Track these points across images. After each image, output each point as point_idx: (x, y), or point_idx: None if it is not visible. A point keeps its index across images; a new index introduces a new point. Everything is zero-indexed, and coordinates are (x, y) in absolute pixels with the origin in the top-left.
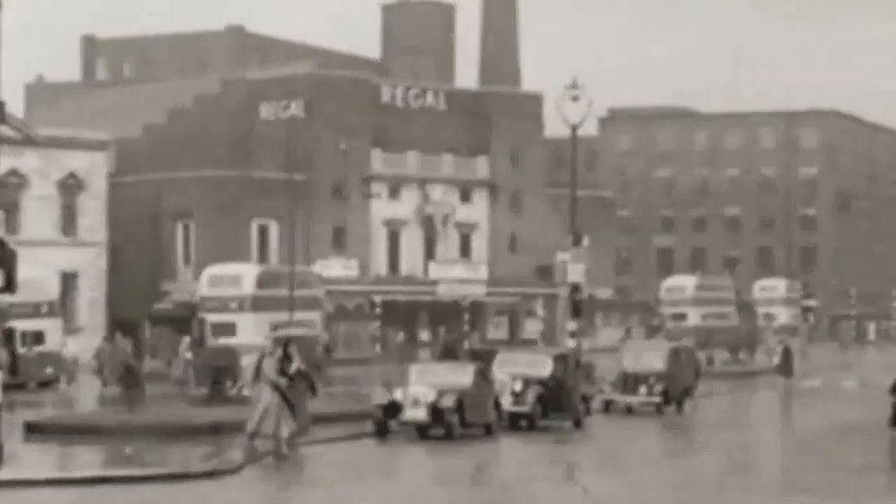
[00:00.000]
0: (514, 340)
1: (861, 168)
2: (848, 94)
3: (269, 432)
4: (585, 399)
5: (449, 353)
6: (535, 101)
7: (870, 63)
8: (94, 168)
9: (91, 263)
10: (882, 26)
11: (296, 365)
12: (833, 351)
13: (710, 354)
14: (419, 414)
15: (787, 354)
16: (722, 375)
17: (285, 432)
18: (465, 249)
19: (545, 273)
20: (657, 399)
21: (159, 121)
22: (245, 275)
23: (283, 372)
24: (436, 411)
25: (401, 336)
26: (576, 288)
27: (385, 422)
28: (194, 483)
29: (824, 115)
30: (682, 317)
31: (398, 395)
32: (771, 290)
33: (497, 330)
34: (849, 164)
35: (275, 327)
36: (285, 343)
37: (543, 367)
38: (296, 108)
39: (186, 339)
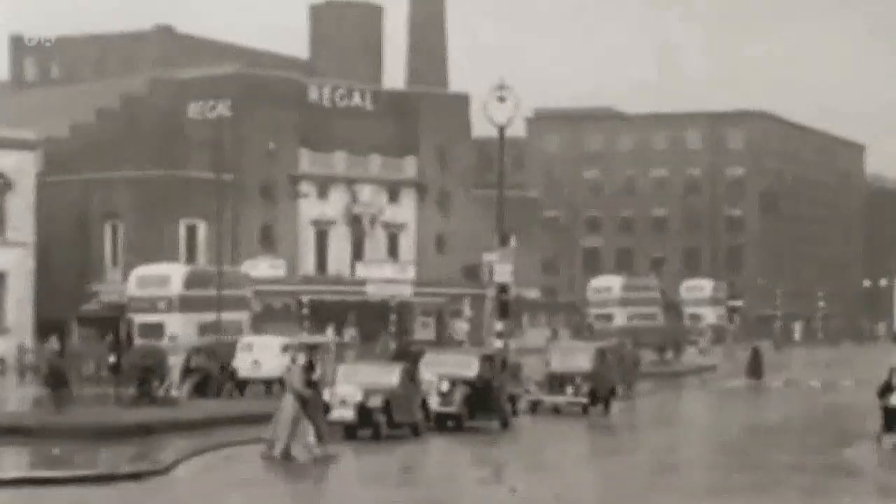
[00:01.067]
0: (441, 341)
1: (787, 169)
2: (774, 94)
3: (307, 440)
4: (512, 399)
5: (403, 357)
6: (463, 101)
7: (795, 64)
8: (22, 168)
9: (19, 264)
10: (807, 28)
11: (319, 373)
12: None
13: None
14: (346, 414)
15: (756, 355)
16: (648, 375)
17: (311, 438)
18: (393, 249)
19: (472, 273)
20: (584, 399)
21: (87, 121)
22: (173, 275)
23: (309, 381)
24: (363, 411)
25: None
26: (503, 288)
27: None
28: (122, 484)
29: (750, 115)
30: (608, 317)
31: (325, 395)
32: (697, 290)
33: (424, 330)
34: (775, 165)
35: (200, 327)
36: (310, 351)
37: (470, 367)
38: (223, 108)
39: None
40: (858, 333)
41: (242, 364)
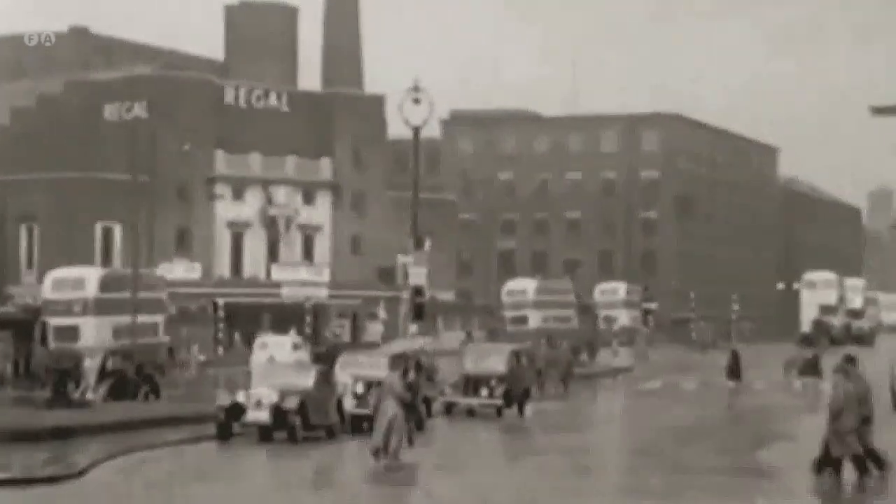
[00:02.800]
0: (357, 342)
1: (701, 172)
2: (689, 97)
3: (395, 446)
4: (427, 401)
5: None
6: (378, 103)
7: (711, 67)
8: None
9: None
10: (723, 31)
11: (411, 378)
12: (677, 352)
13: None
14: (262, 416)
15: (735, 358)
16: (552, 377)
17: (395, 444)
18: (308, 251)
19: (387, 275)
20: (498, 401)
21: (2, 122)
22: (88, 278)
23: (409, 387)
24: (278, 413)
25: (237, 337)
26: (417, 290)
27: (228, 424)
28: (37, 488)
29: (665, 118)
30: (522, 320)
31: (241, 397)
32: (611, 293)
33: (340, 332)
34: (689, 168)
35: (116, 330)
36: (406, 357)
37: (385, 369)
38: (139, 110)
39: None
40: (772, 335)
41: (258, 361)
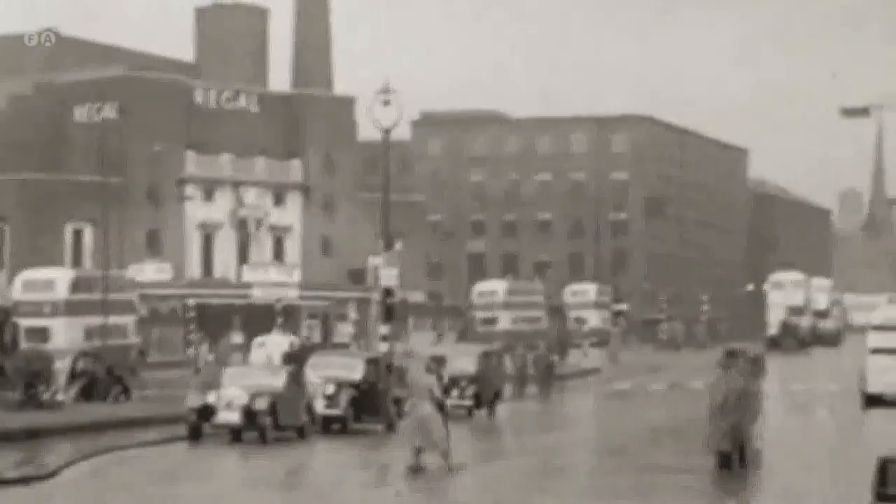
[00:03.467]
0: (327, 344)
1: (671, 173)
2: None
3: (444, 446)
4: (397, 402)
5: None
6: (348, 104)
7: (681, 70)
8: None
9: None
10: (692, 34)
11: (445, 381)
12: (648, 353)
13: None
14: (232, 417)
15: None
16: (533, 378)
17: (443, 444)
18: (279, 253)
19: (358, 277)
20: (468, 402)
21: None
22: (59, 279)
23: (445, 389)
24: (249, 414)
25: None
26: (388, 292)
27: (198, 425)
28: (8, 489)
29: (635, 120)
30: (493, 321)
31: (212, 398)
32: (581, 294)
33: (310, 333)
34: (659, 170)
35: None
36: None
37: (356, 370)
38: (109, 111)
39: None
40: (742, 336)
41: (257, 360)
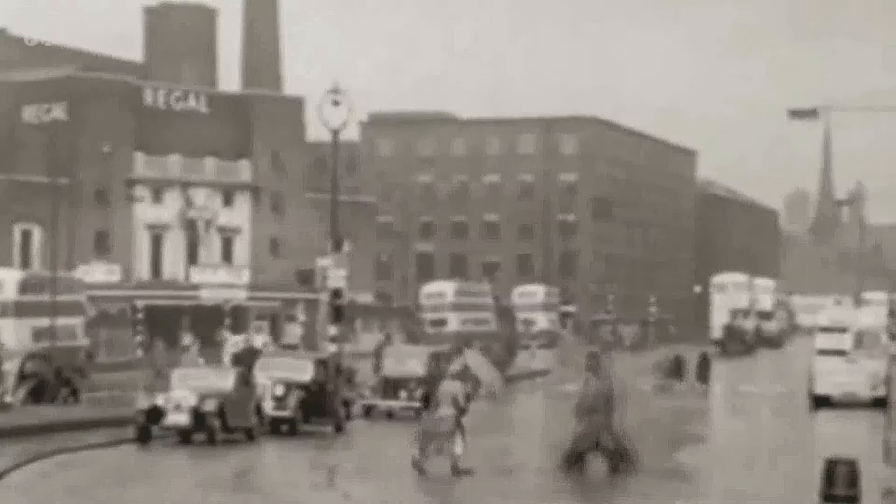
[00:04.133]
0: (276, 345)
1: (620, 175)
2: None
3: (455, 451)
4: (346, 404)
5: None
6: (297, 105)
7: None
8: None
9: None
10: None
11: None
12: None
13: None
14: (181, 419)
15: (704, 361)
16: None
17: (459, 450)
18: (228, 254)
19: (306, 278)
20: (417, 404)
21: None
22: (7, 280)
23: (467, 396)
24: (198, 416)
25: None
26: (336, 293)
27: (147, 427)
28: None
29: (583, 121)
30: (441, 322)
31: (160, 399)
32: (530, 295)
33: (258, 335)
34: (607, 171)
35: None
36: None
37: (304, 371)
38: (58, 111)
39: None
40: (689, 337)
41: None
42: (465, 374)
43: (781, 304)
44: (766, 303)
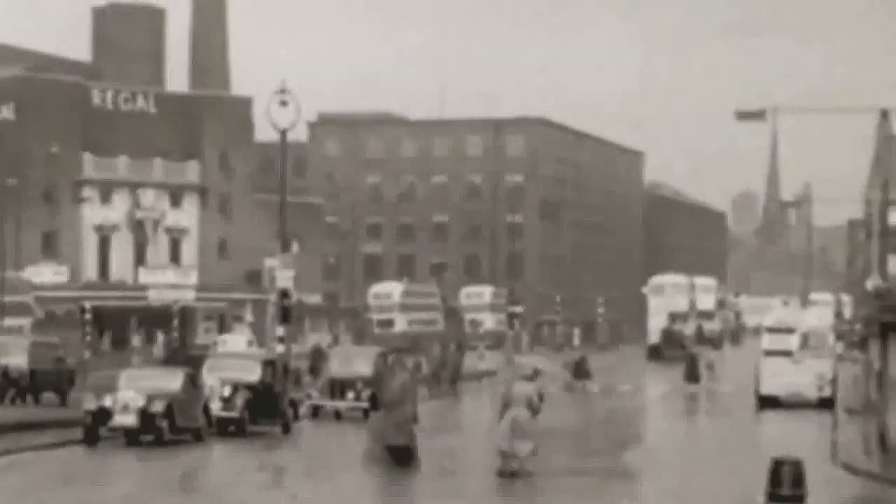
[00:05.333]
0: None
1: (567, 176)
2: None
3: (523, 452)
4: (294, 404)
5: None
6: (245, 105)
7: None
8: None
9: None
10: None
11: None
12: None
13: (418, 360)
14: (129, 420)
15: (692, 361)
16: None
17: (525, 451)
18: (176, 254)
19: (254, 278)
20: (364, 404)
21: None
22: None
23: (540, 398)
24: (145, 417)
25: (106, 342)
26: (284, 293)
27: (95, 428)
28: None
29: (530, 123)
30: (389, 323)
31: (108, 401)
32: (477, 296)
33: (207, 335)
34: (555, 172)
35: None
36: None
37: (252, 372)
38: (6, 112)
39: None
40: (636, 338)
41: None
42: (535, 376)
43: (724, 303)
44: (707, 302)
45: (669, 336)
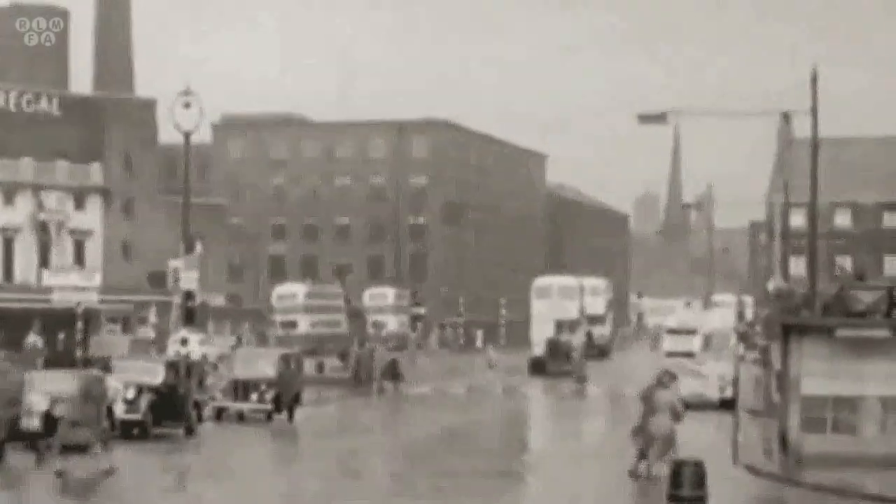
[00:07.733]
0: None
1: (470, 178)
2: (458, 104)
3: (654, 457)
4: (198, 406)
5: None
6: (149, 106)
7: (480, 76)
8: None
9: None
10: (495, 40)
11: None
12: (446, 357)
13: (321, 361)
14: (33, 424)
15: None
16: (332, 382)
17: (656, 454)
18: (80, 256)
19: (158, 280)
20: (268, 406)
21: None
22: None
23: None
24: (49, 420)
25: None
26: (188, 295)
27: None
28: None
29: (434, 125)
30: (293, 324)
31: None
32: (380, 297)
33: (110, 336)
34: (458, 175)
35: None
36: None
37: (156, 374)
38: None
39: None
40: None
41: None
42: (671, 382)
43: (612, 304)
44: (597, 306)
45: (555, 347)
